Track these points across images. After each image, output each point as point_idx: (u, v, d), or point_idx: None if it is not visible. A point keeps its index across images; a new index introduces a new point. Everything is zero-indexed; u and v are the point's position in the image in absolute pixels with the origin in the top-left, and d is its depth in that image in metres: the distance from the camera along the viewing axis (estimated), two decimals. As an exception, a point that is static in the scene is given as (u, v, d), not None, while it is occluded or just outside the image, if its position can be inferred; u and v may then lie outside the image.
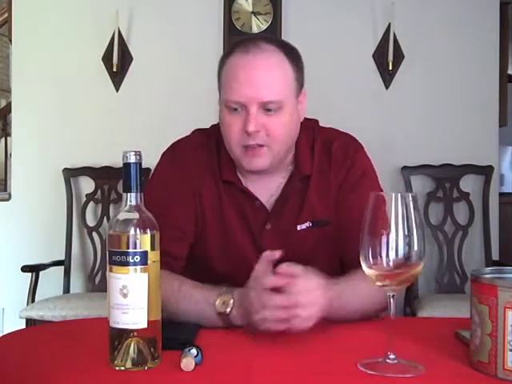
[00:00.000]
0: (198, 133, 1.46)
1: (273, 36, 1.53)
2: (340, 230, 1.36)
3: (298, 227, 1.37)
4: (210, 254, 1.40)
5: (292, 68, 1.30)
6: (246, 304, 1.09)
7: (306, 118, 1.41)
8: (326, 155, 1.39)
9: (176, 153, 1.43)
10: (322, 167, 1.38)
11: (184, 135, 1.48)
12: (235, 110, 1.28)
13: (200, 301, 1.15)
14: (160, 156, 1.44)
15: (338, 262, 1.41)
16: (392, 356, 0.94)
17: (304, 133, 1.40)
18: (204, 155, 1.40)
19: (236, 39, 3.08)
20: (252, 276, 1.11)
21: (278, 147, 1.30)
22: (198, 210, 1.38)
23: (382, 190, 1.33)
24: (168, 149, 1.45)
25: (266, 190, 1.38)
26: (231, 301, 1.13)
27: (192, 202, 1.38)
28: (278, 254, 1.10)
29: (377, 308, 1.22)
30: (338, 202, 1.37)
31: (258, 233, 1.38)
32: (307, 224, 1.37)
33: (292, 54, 1.32)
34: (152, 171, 1.46)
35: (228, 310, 1.12)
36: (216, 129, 1.39)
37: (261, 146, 1.28)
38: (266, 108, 1.26)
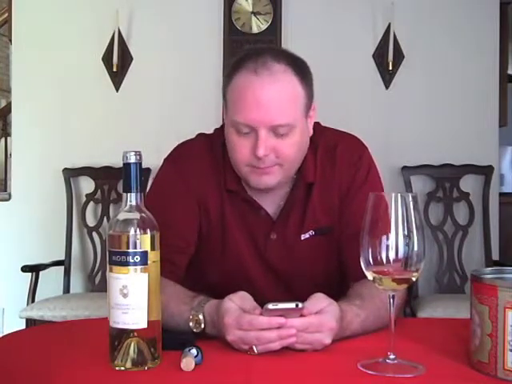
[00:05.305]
0: (203, 138, 1.41)
1: (280, 50, 1.46)
2: (340, 236, 1.35)
3: (302, 236, 1.34)
4: (208, 264, 1.37)
5: (302, 86, 1.25)
6: (221, 325, 1.04)
7: None
8: (330, 161, 1.35)
9: (180, 159, 1.37)
10: (324, 173, 1.35)
11: (183, 135, 1.43)
12: (244, 133, 1.23)
13: (175, 314, 1.11)
14: (163, 160, 1.40)
15: (340, 269, 1.39)
16: (392, 356, 0.94)
17: None
18: (208, 163, 1.35)
19: (236, 39, 3.15)
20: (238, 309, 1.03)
21: (289, 165, 1.27)
22: (202, 220, 1.35)
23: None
24: (171, 154, 1.40)
25: (271, 200, 1.35)
26: (202, 319, 1.08)
27: (197, 211, 1.34)
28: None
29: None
30: (341, 208, 1.35)
31: (263, 243, 1.35)
32: (310, 233, 1.35)
33: (301, 70, 1.26)
34: (155, 176, 1.41)
35: (202, 327, 1.09)
36: (221, 134, 1.33)
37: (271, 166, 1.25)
38: (275, 131, 1.22)
